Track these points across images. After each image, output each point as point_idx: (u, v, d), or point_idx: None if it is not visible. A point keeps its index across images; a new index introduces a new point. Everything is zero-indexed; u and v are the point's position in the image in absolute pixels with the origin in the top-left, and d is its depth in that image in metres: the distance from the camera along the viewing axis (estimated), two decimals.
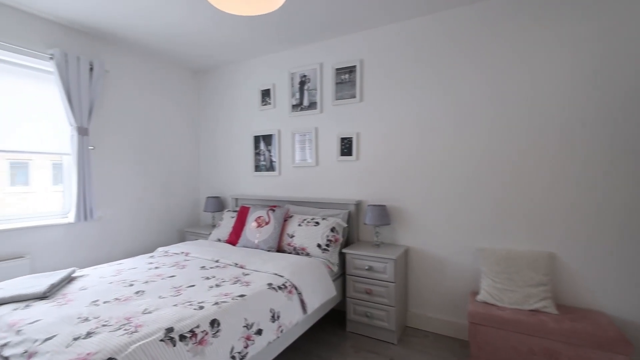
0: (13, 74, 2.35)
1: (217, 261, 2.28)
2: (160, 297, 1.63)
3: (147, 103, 3.21)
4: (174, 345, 1.24)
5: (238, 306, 1.56)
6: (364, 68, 2.71)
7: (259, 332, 1.58)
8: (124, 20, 2.50)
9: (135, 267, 2.13)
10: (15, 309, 1.49)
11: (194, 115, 3.73)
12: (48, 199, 2.65)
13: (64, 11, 2.37)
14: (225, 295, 1.64)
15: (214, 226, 3.43)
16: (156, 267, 2.13)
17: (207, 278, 1.92)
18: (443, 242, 2.42)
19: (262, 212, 2.72)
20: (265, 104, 3.26)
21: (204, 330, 1.35)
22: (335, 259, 2.43)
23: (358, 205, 2.76)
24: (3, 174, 2.41)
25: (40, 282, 1.74)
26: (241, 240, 2.69)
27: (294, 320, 1.84)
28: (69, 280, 1.86)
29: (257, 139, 3.33)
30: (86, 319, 1.37)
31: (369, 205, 2.51)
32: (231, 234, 2.85)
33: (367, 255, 2.34)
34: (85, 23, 2.55)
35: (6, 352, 1.25)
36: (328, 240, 2.42)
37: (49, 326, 1.32)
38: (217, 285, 1.80)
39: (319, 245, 2.41)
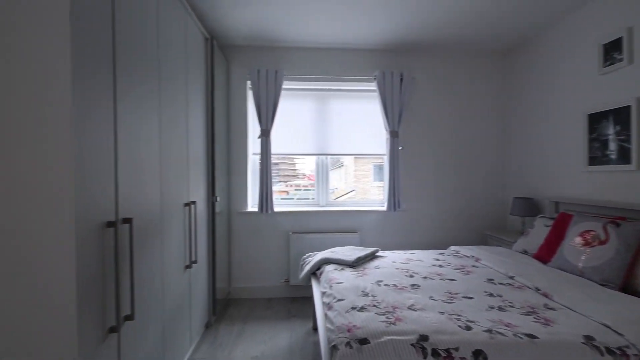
0: (351, 98, 3.22)
1: (511, 277, 1.81)
2: (430, 297, 1.53)
3: (448, 102, 3.20)
4: (424, 357, 1.09)
5: (521, 349, 1.12)
6: None
7: None
8: (423, 26, 2.64)
9: (423, 260, 2.18)
10: (335, 269, 2.00)
11: (500, 104, 3.25)
12: (377, 191, 3.49)
13: (381, 39, 2.90)
14: (506, 326, 1.24)
15: (521, 233, 2.79)
16: (440, 266, 2.05)
17: (491, 295, 1.57)
18: None
19: (595, 225, 1.82)
20: (610, 64, 2.16)
21: (464, 358, 1.09)
22: None
23: None
24: (369, 172, 3.62)
25: (354, 253, 2.23)
26: (556, 259, 1.96)
27: None
28: (371, 257, 2.25)
29: (593, 119, 2.29)
30: (366, 294, 1.57)
31: None
32: (542, 247, 2.17)
33: None
34: (394, 42, 2.97)
35: (324, 299, 1.71)
36: None
37: (344, 290, 1.64)
38: (500, 309, 1.41)
39: None
